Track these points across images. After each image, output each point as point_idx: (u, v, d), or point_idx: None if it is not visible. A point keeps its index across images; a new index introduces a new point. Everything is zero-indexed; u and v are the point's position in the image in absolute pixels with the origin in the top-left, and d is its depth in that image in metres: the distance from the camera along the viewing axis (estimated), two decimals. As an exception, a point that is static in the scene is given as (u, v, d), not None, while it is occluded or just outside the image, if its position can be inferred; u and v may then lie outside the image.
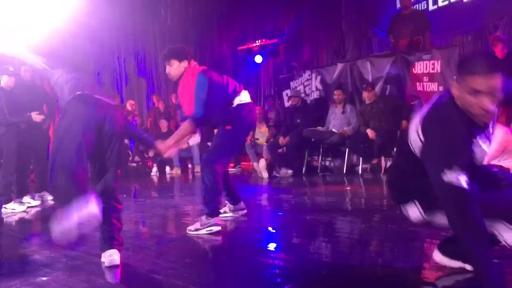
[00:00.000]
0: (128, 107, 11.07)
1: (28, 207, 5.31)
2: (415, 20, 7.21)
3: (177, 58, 3.53)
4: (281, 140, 7.44)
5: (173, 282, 2.33)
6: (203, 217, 3.40)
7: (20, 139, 5.44)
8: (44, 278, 2.47)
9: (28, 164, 5.91)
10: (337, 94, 7.25)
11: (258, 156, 8.07)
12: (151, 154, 9.44)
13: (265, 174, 7.24)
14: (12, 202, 5.28)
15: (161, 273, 2.50)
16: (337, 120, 7.24)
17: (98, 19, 9.54)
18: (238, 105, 3.58)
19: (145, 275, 2.56)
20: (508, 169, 5.25)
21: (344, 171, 7.07)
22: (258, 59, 10.86)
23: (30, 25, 8.41)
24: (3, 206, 4.99)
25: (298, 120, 7.49)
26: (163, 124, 9.72)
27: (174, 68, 3.53)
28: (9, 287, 2.37)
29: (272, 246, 3.06)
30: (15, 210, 5.15)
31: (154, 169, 9.51)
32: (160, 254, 2.94)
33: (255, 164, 7.87)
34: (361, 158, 7.06)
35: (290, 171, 7.26)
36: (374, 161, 6.93)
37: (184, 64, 3.54)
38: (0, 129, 5.32)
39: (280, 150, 7.49)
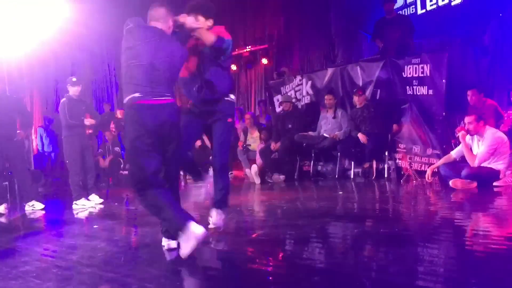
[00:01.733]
0: (119, 115, 11.04)
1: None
2: (401, 24, 7.28)
3: (205, 15, 3.33)
4: (273, 145, 7.44)
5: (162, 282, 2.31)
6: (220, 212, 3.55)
7: None
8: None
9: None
10: (328, 99, 7.27)
11: (250, 162, 8.06)
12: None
13: (257, 180, 7.23)
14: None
15: (153, 282, 2.48)
16: (329, 125, 7.26)
17: (88, 28, 9.55)
18: (233, 101, 3.53)
19: (137, 284, 2.54)
20: (498, 171, 5.29)
21: (336, 176, 7.08)
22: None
23: (22, 34, 8.37)
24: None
25: (290, 125, 7.49)
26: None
27: (198, 23, 3.21)
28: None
29: (264, 252, 3.03)
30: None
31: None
32: (152, 262, 2.91)
33: (247, 170, 7.85)
34: (352, 163, 7.08)
35: (282, 177, 7.26)
36: (366, 165, 6.94)
37: (209, 22, 3.35)
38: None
39: (272, 156, 7.48)
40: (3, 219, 5.50)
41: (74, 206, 5.78)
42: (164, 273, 2.67)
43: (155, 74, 2.84)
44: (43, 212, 5.82)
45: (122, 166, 9.85)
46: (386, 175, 6.75)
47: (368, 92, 7.12)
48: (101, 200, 6.08)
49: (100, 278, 2.62)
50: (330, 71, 7.82)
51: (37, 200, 5.98)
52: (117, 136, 10.04)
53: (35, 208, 5.89)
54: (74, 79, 6.16)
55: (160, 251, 3.08)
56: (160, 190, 2.85)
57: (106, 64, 13.03)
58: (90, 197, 6.05)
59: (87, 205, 5.79)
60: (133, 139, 2.82)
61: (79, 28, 9.24)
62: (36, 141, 10.51)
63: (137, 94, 2.80)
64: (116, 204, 6.16)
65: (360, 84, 7.24)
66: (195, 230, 2.63)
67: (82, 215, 5.61)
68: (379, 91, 7.11)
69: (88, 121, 6.05)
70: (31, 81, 9.79)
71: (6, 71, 8.61)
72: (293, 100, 7.99)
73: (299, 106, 8.12)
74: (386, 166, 6.83)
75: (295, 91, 8.26)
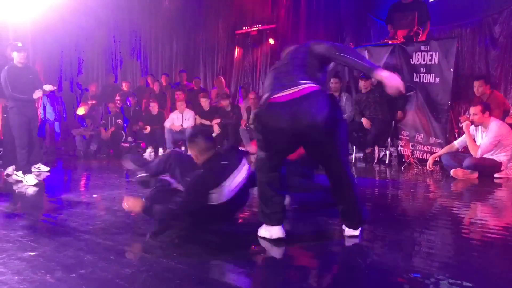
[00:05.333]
0: (124, 87, 11.01)
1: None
2: (415, 10, 7.15)
3: None
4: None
5: (162, 261, 2.33)
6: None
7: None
8: (32, 253, 2.46)
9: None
10: (333, 83, 7.22)
11: (252, 141, 8.04)
12: (146, 131, 9.41)
13: (258, 160, 7.21)
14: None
15: (150, 252, 2.50)
16: (333, 108, 7.21)
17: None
18: None
19: (136, 254, 2.56)
20: (500, 163, 5.28)
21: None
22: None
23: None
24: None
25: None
26: (154, 107, 9.67)
27: None
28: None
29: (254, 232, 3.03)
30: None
31: (148, 149, 9.48)
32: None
33: (249, 148, 7.83)
34: (354, 147, 7.06)
35: (283, 157, 7.24)
36: (368, 151, 6.93)
37: None
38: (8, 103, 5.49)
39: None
40: (10, 180, 5.55)
41: (13, 176, 5.55)
42: (162, 244, 2.69)
43: None
44: (45, 177, 5.88)
45: (123, 138, 9.86)
46: (387, 162, 6.74)
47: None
48: (48, 169, 6.09)
49: (98, 245, 2.63)
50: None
51: (43, 164, 6.06)
52: (120, 108, 10.03)
53: (40, 170, 5.95)
54: (19, 44, 5.60)
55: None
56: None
57: (111, 36, 12.95)
58: (36, 166, 6.05)
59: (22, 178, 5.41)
60: None
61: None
62: (39, 109, 10.50)
63: None
64: (116, 175, 6.17)
65: (366, 68, 7.17)
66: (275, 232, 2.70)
67: (82, 184, 5.65)
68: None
69: (36, 94, 5.49)
70: (37, 47, 9.70)
71: (12, 37, 8.55)
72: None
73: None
74: (388, 152, 6.82)
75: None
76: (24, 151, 5.42)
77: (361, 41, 8.56)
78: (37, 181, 5.26)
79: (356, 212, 2.72)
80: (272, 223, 2.70)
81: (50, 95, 10.31)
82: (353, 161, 6.96)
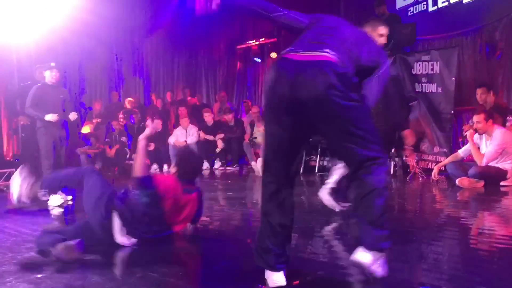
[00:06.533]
0: (127, 104, 11.07)
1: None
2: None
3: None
4: (279, 139, 7.41)
5: (169, 280, 2.32)
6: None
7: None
8: (39, 275, 2.46)
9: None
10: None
11: (256, 155, 8.06)
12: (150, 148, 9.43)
13: (262, 174, 7.20)
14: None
15: (156, 271, 2.49)
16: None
17: (96, 16, 9.56)
18: None
19: (141, 272, 2.54)
20: (506, 171, 5.25)
21: (342, 171, 7.04)
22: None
23: (32, 21, 8.36)
24: None
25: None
26: (158, 123, 9.70)
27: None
28: (3, 283, 2.36)
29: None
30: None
31: (154, 166, 9.49)
32: (157, 249, 2.92)
33: (253, 163, 7.85)
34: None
35: (288, 171, 7.23)
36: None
37: None
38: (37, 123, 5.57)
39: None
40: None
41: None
42: (164, 263, 2.68)
43: None
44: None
45: (128, 156, 9.89)
46: (392, 172, 6.72)
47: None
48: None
49: (103, 265, 2.63)
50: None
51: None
52: (124, 126, 10.07)
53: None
54: (52, 64, 5.77)
55: (164, 239, 3.08)
56: None
57: (114, 54, 13.06)
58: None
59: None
60: None
61: (88, 16, 9.25)
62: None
63: None
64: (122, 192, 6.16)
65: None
66: None
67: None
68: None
69: (73, 116, 5.70)
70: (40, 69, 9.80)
71: (16, 58, 8.63)
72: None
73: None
74: (392, 163, 6.80)
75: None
76: (50, 171, 5.47)
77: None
78: (62, 201, 5.21)
79: (373, 230, 2.11)
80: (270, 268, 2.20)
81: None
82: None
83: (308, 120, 2.12)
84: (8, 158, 8.74)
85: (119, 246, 2.98)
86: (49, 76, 5.59)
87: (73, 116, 5.72)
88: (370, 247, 2.12)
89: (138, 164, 3.23)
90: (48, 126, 5.52)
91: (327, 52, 2.11)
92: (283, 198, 2.25)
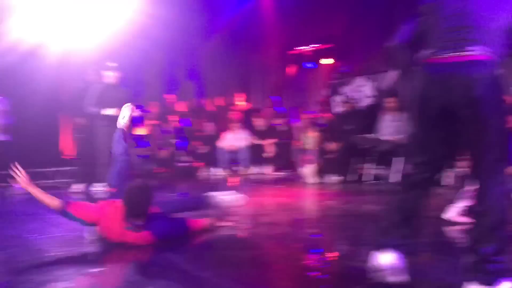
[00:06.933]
0: (180, 108, 11.31)
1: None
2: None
3: None
4: (330, 146, 7.34)
5: (218, 282, 2.34)
6: None
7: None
8: (98, 269, 2.54)
9: None
10: (389, 102, 7.09)
11: (306, 161, 8.01)
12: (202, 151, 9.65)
13: (312, 180, 7.17)
14: None
15: (207, 270, 2.51)
16: (390, 128, 7.08)
17: (154, 19, 9.85)
18: None
19: (192, 274, 2.58)
20: None
21: (391, 180, 6.86)
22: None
23: (87, 24, 8.71)
24: None
25: (349, 127, 7.36)
26: (210, 127, 9.89)
27: None
28: (62, 276, 2.46)
29: (315, 250, 2.99)
30: None
31: (203, 169, 9.65)
32: (206, 251, 2.96)
33: (302, 169, 7.81)
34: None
35: (338, 178, 7.15)
36: None
37: None
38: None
39: (328, 156, 7.38)
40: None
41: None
42: (215, 264, 2.70)
43: None
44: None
45: (180, 158, 10.10)
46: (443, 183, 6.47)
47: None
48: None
49: (164, 259, 2.68)
50: (395, 73, 7.60)
51: None
52: (178, 128, 10.30)
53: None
54: (112, 65, 5.98)
55: (213, 241, 3.10)
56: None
57: (170, 57, 13.39)
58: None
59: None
60: None
61: (146, 19, 9.54)
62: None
63: None
64: (172, 194, 6.32)
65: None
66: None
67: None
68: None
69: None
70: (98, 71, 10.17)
71: (80, 60, 9.01)
72: (354, 101, 7.85)
73: (360, 108, 7.96)
74: (445, 173, 6.55)
75: (357, 92, 8.11)
76: (107, 169, 5.71)
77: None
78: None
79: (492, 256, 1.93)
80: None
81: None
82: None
83: (457, 124, 2.09)
84: (66, 157, 9.14)
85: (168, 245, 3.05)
86: (110, 76, 5.76)
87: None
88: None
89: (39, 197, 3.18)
90: (111, 126, 5.73)
91: (473, 50, 2.04)
92: (422, 192, 2.27)
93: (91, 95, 5.71)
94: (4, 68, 7.36)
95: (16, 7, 7.80)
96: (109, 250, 3.04)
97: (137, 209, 3.05)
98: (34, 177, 8.51)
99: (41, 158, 8.41)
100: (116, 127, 5.72)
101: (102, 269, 2.57)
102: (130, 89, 6.78)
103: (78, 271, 2.53)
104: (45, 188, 3.26)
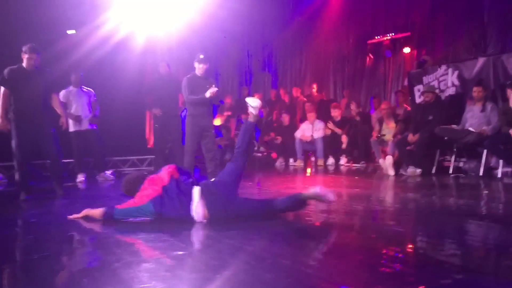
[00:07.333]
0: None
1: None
2: None
3: None
4: (411, 137, 7.09)
5: (300, 268, 2.36)
6: None
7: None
8: (181, 253, 2.67)
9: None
10: (476, 91, 6.71)
11: (384, 152, 7.82)
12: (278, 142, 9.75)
13: (391, 172, 6.98)
14: None
15: (289, 259, 2.54)
16: (475, 119, 6.71)
17: (229, 11, 10.02)
18: None
19: (271, 259, 2.62)
20: None
21: (480, 174, 6.51)
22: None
23: (168, 16, 9.16)
24: None
25: (430, 117, 7.06)
26: (285, 118, 9.93)
27: None
28: (150, 256, 2.61)
29: (392, 243, 2.91)
30: None
31: (279, 159, 9.74)
32: (288, 239, 2.99)
33: (381, 160, 7.63)
34: (501, 161, 6.45)
35: (418, 170, 6.90)
36: (518, 165, 6.28)
37: None
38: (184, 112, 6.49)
39: (408, 148, 7.14)
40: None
41: None
42: (298, 250, 2.73)
43: None
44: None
45: (255, 148, 10.25)
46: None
47: (525, 85, 6.40)
48: None
49: (238, 249, 2.76)
50: (481, 60, 7.18)
51: None
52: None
53: None
54: (201, 56, 6.12)
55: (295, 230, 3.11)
56: None
57: (245, 50, 13.58)
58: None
59: None
60: None
61: (221, 11, 9.75)
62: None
63: None
64: (250, 183, 6.43)
65: (517, 75, 6.54)
66: None
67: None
68: (538, 84, 6.36)
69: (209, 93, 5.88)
70: (179, 63, 10.54)
71: (159, 52, 9.42)
72: (436, 91, 7.51)
73: (442, 98, 7.61)
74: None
75: (439, 81, 7.75)
76: (190, 159, 6.02)
77: (508, 47, 7.85)
78: None
79: None
80: None
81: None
82: (499, 176, 6.37)
83: None
84: (149, 146, 9.62)
85: (250, 232, 3.12)
86: (197, 67, 6.04)
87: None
88: None
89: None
90: (196, 116, 5.96)
91: None
92: None
93: (185, 86, 6.00)
94: (94, 61, 7.85)
95: (108, 2, 8.28)
96: (190, 234, 3.18)
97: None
98: (123, 164, 9.08)
99: (128, 146, 8.93)
100: (200, 119, 5.98)
101: (184, 252, 2.69)
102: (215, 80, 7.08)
103: (163, 252, 2.67)
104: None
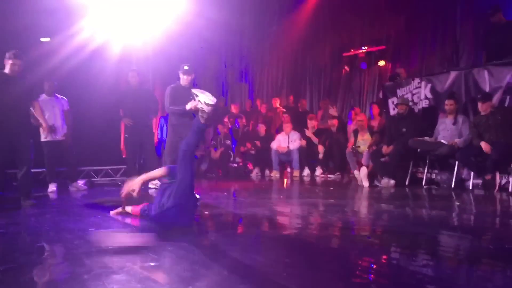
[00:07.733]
0: (233, 110, 11.45)
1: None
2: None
3: None
4: (385, 148, 7.19)
5: (273, 279, 2.34)
6: None
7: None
8: (152, 264, 2.62)
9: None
10: (448, 104, 6.85)
11: (359, 164, 7.89)
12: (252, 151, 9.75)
13: (365, 183, 7.04)
14: None
15: (262, 270, 2.52)
16: (447, 131, 6.84)
17: (206, 20, 10.02)
18: None
19: (245, 270, 2.60)
20: None
21: (452, 186, 6.63)
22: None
23: (145, 25, 9.07)
24: None
25: (404, 129, 7.18)
26: (261, 128, 9.95)
27: None
28: (121, 268, 2.55)
29: (367, 255, 2.93)
30: None
31: (255, 170, 9.72)
32: (262, 250, 2.97)
33: (355, 172, 7.69)
34: (472, 173, 6.58)
35: (392, 181, 6.98)
36: (488, 177, 6.41)
37: None
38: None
39: (382, 159, 7.23)
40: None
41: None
42: (272, 263, 2.71)
43: None
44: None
45: (231, 158, 10.22)
46: (510, 189, 6.18)
47: (495, 99, 6.57)
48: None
49: (211, 260, 2.73)
50: (453, 74, 7.34)
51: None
52: (229, 130, 10.43)
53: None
54: (186, 67, 6.05)
55: (267, 239, 3.10)
56: None
57: (222, 61, 13.60)
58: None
59: None
60: None
61: (199, 20, 9.74)
62: (156, 130, 11.28)
63: None
64: (225, 194, 6.40)
65: (487, 89, 6.70)
66: None
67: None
68: (508, 97, 6.53)
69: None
70: (155, 72, 10.47)
71: (135, 61, 9.33)
72: (410, 103, 7.64)
73: (416, 110, 7.74)
74: (511, 179, 6.26)
75: (412, 94, 7.89)
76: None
77: (479, 61, 8.05)
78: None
79: None
80: None
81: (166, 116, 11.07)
82: (470, 188, 6.49)
83: None
84: (124, 156, 9.49)
85: (224, 242, 3.07)
86: (182, 78, 6.00)
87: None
88: None
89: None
90: (177, 126, 5.91)
91: None
92: None
93: (167, 95, 5.92)
94: (69, 70, 7.72)
95: (83, 10, 8.17)
96: (163, 244, 3.13)
97: None
98: (96, 174, 8.91)
99: (102, 156, 8.78)
100: (182, 129, 5.90)
101: (156, 263, 2.64)
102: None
103: (134, 263, 2.61)
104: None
